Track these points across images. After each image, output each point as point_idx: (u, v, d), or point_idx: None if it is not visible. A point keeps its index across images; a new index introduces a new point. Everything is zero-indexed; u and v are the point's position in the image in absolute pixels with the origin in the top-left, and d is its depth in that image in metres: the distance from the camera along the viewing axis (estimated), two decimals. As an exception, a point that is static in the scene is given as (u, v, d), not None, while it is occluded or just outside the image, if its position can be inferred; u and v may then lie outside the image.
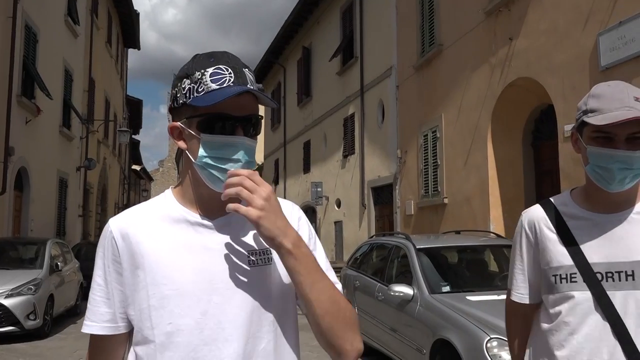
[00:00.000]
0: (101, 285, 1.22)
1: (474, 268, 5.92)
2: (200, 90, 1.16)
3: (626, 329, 1.45)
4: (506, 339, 3.85)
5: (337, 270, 8.45)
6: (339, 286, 1.25)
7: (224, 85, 1.15)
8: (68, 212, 16.47)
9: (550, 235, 1.60)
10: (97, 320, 1.22)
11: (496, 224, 8.94)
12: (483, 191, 9.23)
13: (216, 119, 1.16)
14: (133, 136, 35.59)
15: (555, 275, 1.57)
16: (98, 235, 19.75)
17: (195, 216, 1.23)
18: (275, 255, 1.23)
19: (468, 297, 4.77)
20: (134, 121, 34.28)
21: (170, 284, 1.17)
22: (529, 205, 8.19)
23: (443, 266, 5.85)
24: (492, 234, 7.13)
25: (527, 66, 8.29)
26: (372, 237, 8.76)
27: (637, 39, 6.27)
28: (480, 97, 9.45)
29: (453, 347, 4.20)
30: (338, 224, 16.61)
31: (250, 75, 1.21)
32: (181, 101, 1.19)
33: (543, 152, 8.98)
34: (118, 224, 1.23)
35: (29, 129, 12.80)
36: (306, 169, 19.97)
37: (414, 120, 11.93)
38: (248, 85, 1.17)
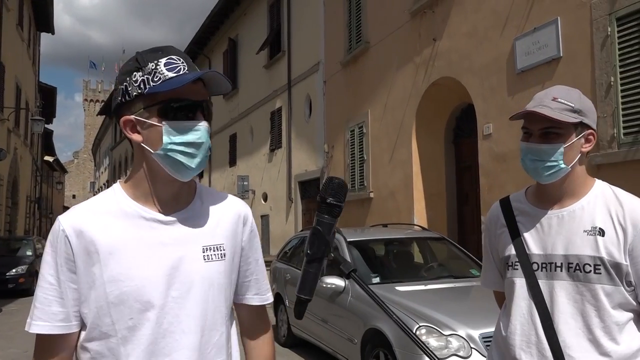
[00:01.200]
0: (53, 285, 1.21)
1: (401, 260, 6.11)
2: (156, 79, 1.19)
3: (549, 314, 1.60)
4: (433, 326, 4.08)
5: (266, 263, 8.52)
6: (270, 295, 1.43)
7: (181, 72, 1.20)
8: (-25, 206, 15.38)
9: (502, 229, 1.76)
10: (49, 319, 1.21)
11: (419, 217, 9.20)
12: (407, 186, 9.47)
13: (178, 104, 1.19)
14: (46, 126, 33.67)
15: (505, 264, 1.74)
16: (8, 230, 18.48)
17: (150, 212, 1.25)
18: (228, 251, 1.29)
19: (397, 288, 4.94)
20: (47, 110, 32.41)
21: (128, 280, 1.19)
22: (450, 199, 8.55)
23: (372, 258, 5.99)
24: (416, 227, 7.36)
25: (449, 66, 8.54)
26: (302, 230, 8.85)
27: (549, 44, 6.72)
28: (405, 95, 9.66)
29: (384, 336, 4.37)
30: (265, 218, 16.59)
31: (196, 67, 1.27)
32: (134, 93, 1.21)
33: (463, 148, 9.32)
34: (70, 222, 1.23)
35: None
36: (232, 162, 19.76)
37: (341, 116, 12.04)
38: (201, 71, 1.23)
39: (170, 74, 1.19)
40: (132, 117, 1.23)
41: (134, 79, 1.21)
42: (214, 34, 21.11)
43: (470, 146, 8.75)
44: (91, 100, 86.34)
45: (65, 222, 1.23)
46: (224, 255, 1.28)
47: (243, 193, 16.89)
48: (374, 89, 10.76)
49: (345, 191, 1.20)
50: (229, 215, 1.34)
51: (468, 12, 8.20)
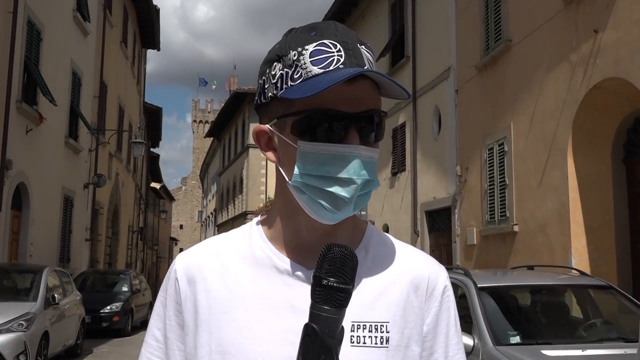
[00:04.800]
0: (160, 343, 1.08)
1: (552, 314, 5.72)
2: (296, 76, 0.96)
3: None
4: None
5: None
6: None
7: (331, 67, 0.95)
8: (73, 236, 16.74)
9: None
10: None
11: (579, 258, 8.64)
12: (562, 217, 8.96)
13: (319, 118, 0.95)
14: (151, 149, 36.29)
15: None
16: (108, 263, 19.94)
17: (286, 260, 1.04)
18: (396, 336, 1.00)
19: (544, 352, 4.51)
20: (153, 132, 34.93)
21: (238, 354, 1.00)
22: (620, 234, 7.73)
23: (512, 310, 5.62)
24: (574, 271, 6.82)
25: (616, 64, 8.06)
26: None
27: None
28: (558, 102, 9.26)
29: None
30: (385, 254, 16.41)
31: (369, 54, 1.00)
32: (270, 94, 0.99)
33: (638, 169, 8.70)
34: (185, 263, 1.08)
35: (30, 139, 13.08)
36: (348, 188, 19.88)
37: (476, 131, 11.82)
38: (366, 67, 0.96)
39: (315, 69, 0.94)
40: (267, 127, 1.02)
41: (272, 73, 1.00)
42: (329, 41, 21.59)
43: (647, 166, 8.02)
44: (200, 122, 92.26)
45: (179, 262, 1.09)
46: (387, 340, 1.00)
47: (360, 225, 16.85)
48: (518, 97, 10.45)
49: (353, 265, 0.86)
50: (404, 281, 1.05)
51: (641, -7, 7.57)
